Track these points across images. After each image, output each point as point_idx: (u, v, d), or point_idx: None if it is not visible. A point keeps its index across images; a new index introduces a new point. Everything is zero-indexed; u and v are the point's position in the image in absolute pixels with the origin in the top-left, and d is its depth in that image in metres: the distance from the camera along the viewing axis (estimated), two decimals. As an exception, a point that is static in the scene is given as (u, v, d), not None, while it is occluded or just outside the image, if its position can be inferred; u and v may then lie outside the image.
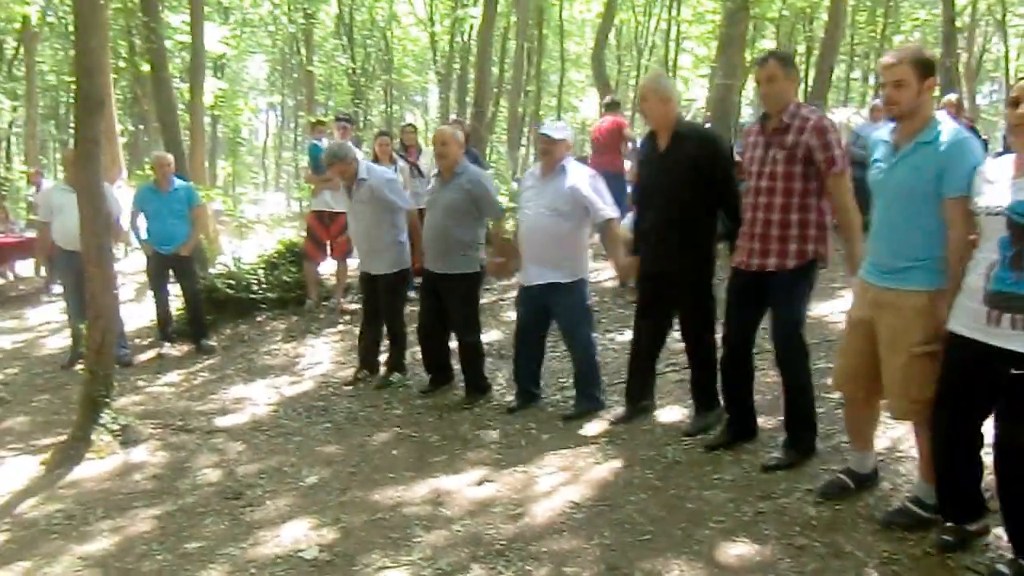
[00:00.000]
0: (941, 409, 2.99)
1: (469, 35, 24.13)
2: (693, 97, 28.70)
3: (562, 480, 4.06)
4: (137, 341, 7.99)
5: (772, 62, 3.84)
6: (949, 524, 3.07)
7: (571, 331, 5.08)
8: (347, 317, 7.82)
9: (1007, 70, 25.39)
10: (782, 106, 3.80)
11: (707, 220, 4.35)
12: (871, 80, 26.46)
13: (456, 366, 5.72)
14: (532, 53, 21.56)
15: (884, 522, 3.31)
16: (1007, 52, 25.32)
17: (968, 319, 2.84)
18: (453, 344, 5.69)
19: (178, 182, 7.39)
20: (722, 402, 4.37)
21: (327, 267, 8.69)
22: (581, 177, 4.92)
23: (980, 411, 2.92)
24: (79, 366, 7.03)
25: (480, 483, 4.14)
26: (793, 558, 3.13)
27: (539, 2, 20.25)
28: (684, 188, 4.24)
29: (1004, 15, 23.71)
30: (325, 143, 8.23)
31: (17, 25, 16.79)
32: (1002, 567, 2.83)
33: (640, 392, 4.82)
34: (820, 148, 3.70)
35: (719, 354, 4.24)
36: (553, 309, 5.04)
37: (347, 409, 5.59)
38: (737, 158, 4.45)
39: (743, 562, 3.16)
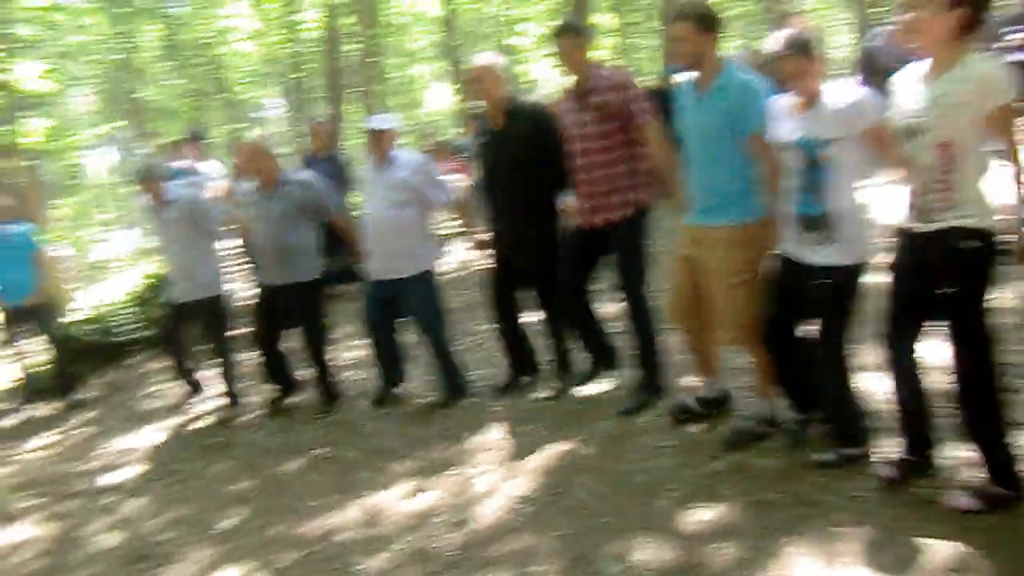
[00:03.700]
0: (773, 323, 3.32)
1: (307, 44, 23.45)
2: (536, 77, 28.94)
3: (500, 476, 3.84)
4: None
5: (564, 38, 4.08)
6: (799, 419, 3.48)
7: (424, 326, 4.99)
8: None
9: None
10: (582, 71, 4.07)
11: (551, 191, 4.45)
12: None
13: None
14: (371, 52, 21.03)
15: (728, 443, 3.57)
16: None
17: (788, 242, 3.22)
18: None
19: (12, 227, 6.66)
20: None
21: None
22: (410, 164, 4.94)
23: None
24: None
25: (414, 494, 3.86)
26: (760, 513, 3.02)
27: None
28: (527, 163, 4.38)
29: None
30: (183, 163, 7.68)
31: None
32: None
33: (521, 364, 4.90)
34: (623, 103, 3.97)
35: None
36: (403, 303, 4.94)
37: (250, 441, 5.14)
38: None
39: (708, 527, 3.03)
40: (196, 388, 6.09)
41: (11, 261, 6.47)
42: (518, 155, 4.40)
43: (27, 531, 4.43)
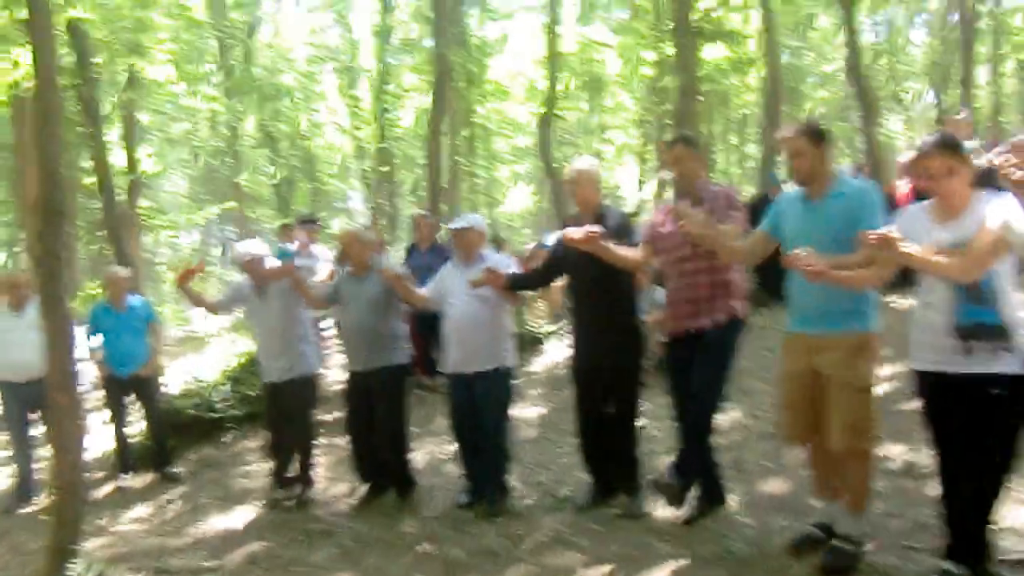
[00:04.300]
0: (936, 447, 3.18)
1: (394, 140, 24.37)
2: (617, 183, 29.33)
3: (625, 590, 3.65)
4: (87, 474, 7.22)
5: (680, 145, 4.29)
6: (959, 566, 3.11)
7: (491, 424, 4.98)
8: (323, 428, 7.25)
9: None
10: (694, 182, 4.22)
11: (633, 296, 4.68)
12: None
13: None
14: (459, 152, 21.65)
15: (825, 569, 3.40)
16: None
17: (934, 354, 3.09)
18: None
19: (133, 298, 6.87)
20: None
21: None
22: (501, 261, 5.16)
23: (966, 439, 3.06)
24: (26, 508, 6.37)
25: (533, 602, 3.70)
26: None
27: (468, 104, 20.46)
28: (614, 268, 4.41)
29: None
30: (295, 246, 7.87)
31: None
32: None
33: (603, 476, 4.80)
34: (724, 209, 4.05)
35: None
36: (479, 398, 4.95)
37: (351, 530, 5.04)
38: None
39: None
40: (287, 486, 5.83)
41: (130, 332, 6.65)
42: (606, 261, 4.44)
43: (126, 606, 4.36)
